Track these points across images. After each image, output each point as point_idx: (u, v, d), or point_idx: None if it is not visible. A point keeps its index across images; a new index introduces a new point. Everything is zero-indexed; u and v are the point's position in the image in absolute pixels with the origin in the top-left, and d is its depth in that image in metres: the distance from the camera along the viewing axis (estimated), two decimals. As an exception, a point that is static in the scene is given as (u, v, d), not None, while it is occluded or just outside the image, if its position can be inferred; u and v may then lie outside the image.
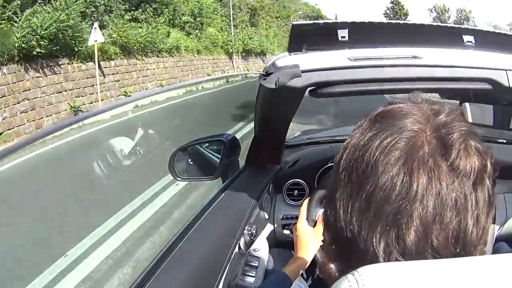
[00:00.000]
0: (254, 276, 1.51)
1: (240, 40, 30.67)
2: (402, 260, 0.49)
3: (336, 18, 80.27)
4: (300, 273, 1.35)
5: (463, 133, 0.51)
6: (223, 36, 28.42)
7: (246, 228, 1.40)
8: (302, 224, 1.40)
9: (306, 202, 1.44)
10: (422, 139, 0.51)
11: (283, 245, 1.87)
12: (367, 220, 0.51)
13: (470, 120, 1.36)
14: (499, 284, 0.39)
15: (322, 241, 1.41)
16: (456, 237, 0.49)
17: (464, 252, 0.49)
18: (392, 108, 0.57)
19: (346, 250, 0.55)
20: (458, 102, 1.44)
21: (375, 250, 0.50)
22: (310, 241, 1.38)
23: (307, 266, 1.36)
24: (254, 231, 1.44)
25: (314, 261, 1.40)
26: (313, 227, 1.40)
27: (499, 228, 1.75)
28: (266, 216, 1.74)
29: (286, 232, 1.85)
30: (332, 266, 0.59)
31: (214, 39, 26.45)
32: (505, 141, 2.18)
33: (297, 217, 1.49)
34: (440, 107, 0.56)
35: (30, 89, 11.53)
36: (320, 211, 1.42)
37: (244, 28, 34.97)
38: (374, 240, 0.50)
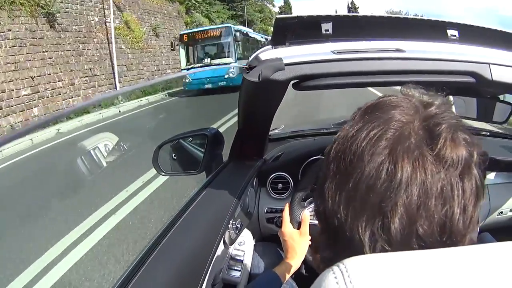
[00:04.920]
0: (239, 270, 1.51)
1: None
2: (388, 248, 0.50)
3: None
4: (291, 274, 1.35)
5: (452, 124, 0.52)
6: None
7: (231, 222, 1.39)
8: (287, 228, 1.41)
9: (287, 206, 1.45)
10: (409, 130, 0.51)
11: (268, 238, 1.87)
12: (353, 209, 0.52)
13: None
14: (486, 274, 0.39)
15: (310, 237, 1.41)
16: (442, 226, 0.49)
17: (450, 241, 0.50)
18: (382, 100, 0.58)
19: (334, 239, 0.56)
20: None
21: (361, 239, 0.51)
22: (297, 243, 1.38)
23: (297, 268, 1.37)
24: (238, 225, 1.44)
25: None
26: (298, 228, 1.41)
27: (483, 219, 1.78)
28: (251, 210, 1.73)
29: (271, 225, 1.85)
30: (318, 255, 0.61)
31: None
32: (488, 134, 2.21)
33: (281, 211, 1.49)
34: (432, 100, 0.57)
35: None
36: (304, 211, 1.43)
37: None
38: (360, 228, 0.51)
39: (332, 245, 0.58)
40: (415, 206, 0.49)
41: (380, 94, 0.62)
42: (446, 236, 0.50)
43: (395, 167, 0.49)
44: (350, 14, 1.04)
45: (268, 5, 67.36)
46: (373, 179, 0.50)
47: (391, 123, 0.52)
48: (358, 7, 68.04)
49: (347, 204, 0.53)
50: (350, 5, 67.78)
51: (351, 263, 0.41)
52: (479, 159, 0.53)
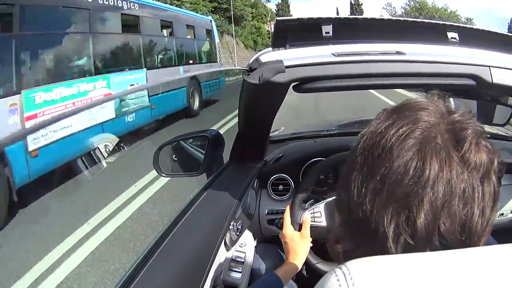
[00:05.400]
0: (240, 272, 1.51)
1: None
2: (411, 242, 0.51)
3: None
4: (292, 276, 1.36)
5: (477, 131, 0.55)
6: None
7: (232, 223, 1.39)
8: (288, 230, 1.41)
9: (288, 208, 1.45)
10: (436, 131, 0.54)
11: (268, 240, 1.87)
12: (379, 201, 0.54)
13: None
14: (487, 276, 0.40)
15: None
16: (462, 225, 0.51)
17: (469, 241, 0.52)
18: (409, 102, 0.60)
19: (356, 231, 0.58)
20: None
21: (385, 231, 0.52)
22: (298, 245, 1.39)
23: (299, 270, 1.37)
24: (239, 227, 1.44)
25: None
26: (299, 230, 1.41)
27: None
28: (252, 212, 1.74)
29: (272, 227, 1.85)
30: (339, 246, 0.63)
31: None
32: (488, 136, 2.21)
33: (282, 212, 1.49)
34: (455, 108, 0.59)
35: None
36: (304, 213, 1.43)
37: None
38: (385, 221, 0.53)
39: (354, 236, 0.59)
40: (440, 203, 0.51)
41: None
42: (465, 235, 0.52)
43: (424, 165, 0.51)
44: (351, 16, 1.04)
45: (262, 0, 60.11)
46: (401, 174, 0.52)
47: (419, 123, 0.54)
48: (361, 3, 66.83)
49: (374, 196, 0.54)
50: (353, 1, 66.69)
51: (354, 266, 0.42)
52: (498, 166, 0.55)
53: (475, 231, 0.52)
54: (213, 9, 36.77)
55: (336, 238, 0.65)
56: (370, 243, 0.54)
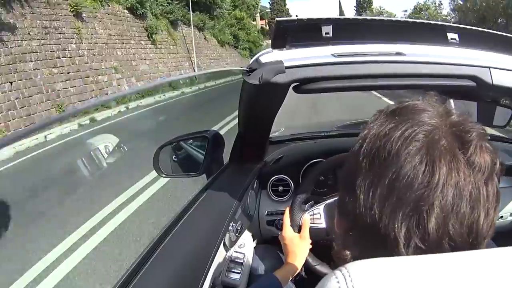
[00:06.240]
0: (239, 273, 1.50)
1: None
2: (421, 245, 0.51)
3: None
4: (291, 278, 1.36)
5: (480, 133, 0.55)
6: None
7: (231, 224, 1.39)
8: (287, 232, 1.41)
9: (287, 210, 1.45)
10: (439, 134, 0.54)
11: (268, 241, 1.86)
12: (389, 206, 0.53)
13: None
14: (486, 279, 0.40)
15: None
16: (470, 227, 0.52)
17: (476, 242, 0.53)
18: (408, 104, 0.60)
19: (364, 236, 0.57)
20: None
21: (396, 235, 0.52)
22: (298, 247, 1.39)
23: (298, 271, 1.37)
24: (239, 228, 1.44)
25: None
26: (298, 232, 1.41)
27: None
28: (251, 212, 1.73)
29: (271, 228, 1.85)
30: (347, 252, 0.61)
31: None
32: (488, 138, 2.21)
33: (282, 213, 1.49)
34: (451, 109, 0.60)
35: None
36: (304, 215, 1.43)
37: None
38: (395, 225, 0.53)
39: (362, 242, 0.59)
40: (449, 206, 0.51)
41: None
42: (472, 237, 0.52)
43: (433, 169, 0.51)
44: (351, 17, 1.04)
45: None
46: (410, 178, 0.52)
47: (422, 125, 0.54)
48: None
49: (383, 201, 0.54)
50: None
51: (354, 267, 0.42)
52: (499, 167, 0.56)
53: (481, 232, 0.53)
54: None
55: (343, 244, 0.64)
56: (380, 248, 0.54)
